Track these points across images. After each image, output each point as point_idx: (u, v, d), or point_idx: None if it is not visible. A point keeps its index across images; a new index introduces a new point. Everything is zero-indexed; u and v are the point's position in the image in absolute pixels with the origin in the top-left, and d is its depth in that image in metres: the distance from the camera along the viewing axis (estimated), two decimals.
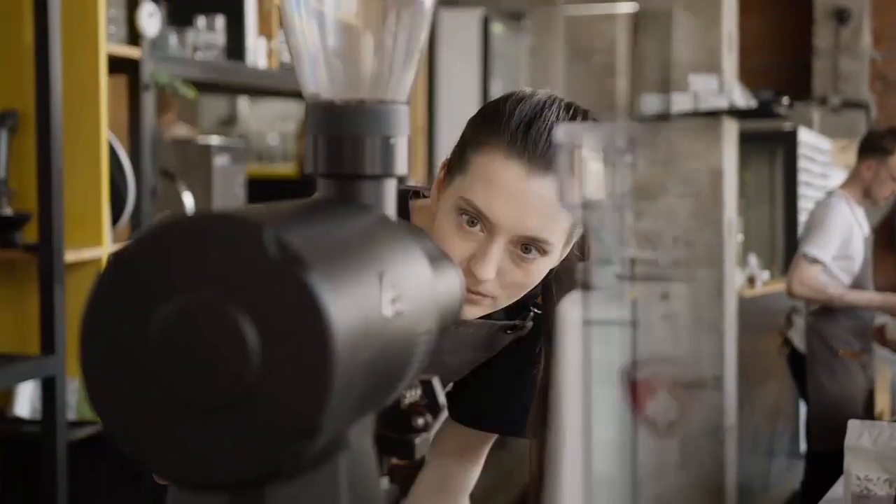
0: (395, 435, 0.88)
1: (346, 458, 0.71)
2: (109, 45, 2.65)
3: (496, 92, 6.10)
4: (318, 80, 0.84)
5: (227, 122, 6.14)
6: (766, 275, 6.26)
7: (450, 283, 0.88)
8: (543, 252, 1.30)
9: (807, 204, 7.21)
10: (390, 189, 0.83)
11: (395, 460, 0.91)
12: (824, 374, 4.42)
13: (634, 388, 0.69)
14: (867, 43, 9.48)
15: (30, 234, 2.51)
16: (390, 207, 0.83)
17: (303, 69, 0.84)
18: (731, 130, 5.70)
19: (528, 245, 1.29)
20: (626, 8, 6.55)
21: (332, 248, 0.67)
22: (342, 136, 0.81)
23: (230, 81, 3.32)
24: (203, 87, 3.37)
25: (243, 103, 6.13)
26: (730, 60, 5.65)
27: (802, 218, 7.29)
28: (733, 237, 5.81)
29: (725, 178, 5.56)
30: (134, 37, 2.76)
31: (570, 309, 0.71)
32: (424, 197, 1.51)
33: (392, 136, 0.82)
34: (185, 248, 0.63)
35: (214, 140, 3.36)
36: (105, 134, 2.60)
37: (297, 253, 0.62)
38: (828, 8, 9.21)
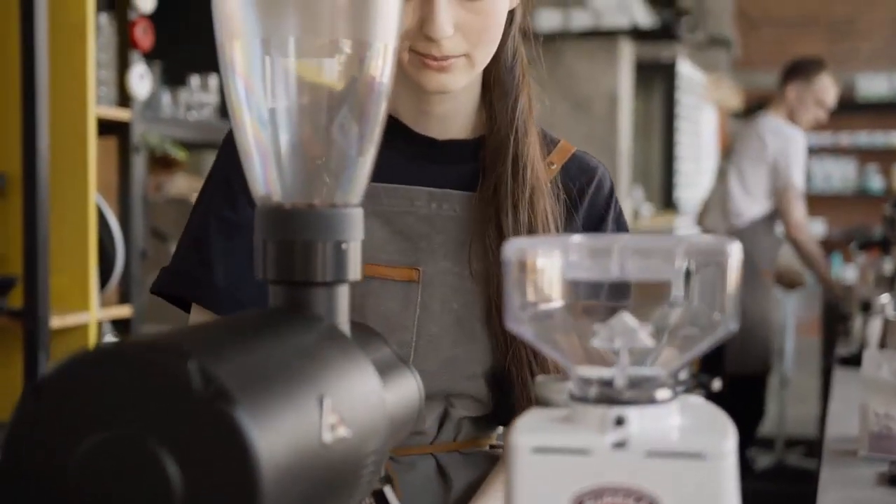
0: None
1: None
2: (99, 107, 2.63)
3: None
4: (268, 182, 0.81)
5: None
6: (648, 208, 6.25)
7: (404, 391, 0.85)
8: None
9: (682, 137, 7.23)
10: (342, 296, 0.80)
11: None
12: (746, 294, 4.34)
13: None
14: None
15: (15, 298, 2.48)
16: (342, 315, 0.80)
17: (252, 170, 0.81)
18: (628, 52, 5.65)
19: None
20: None
21: (265, 375, 0.64)
22: (292, 242, 0.78)
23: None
24: (196, 145, 3.35)
25: None
26: None
27: (679, 152, 7.31)
28: (628, 168, 5.79)
29: (621, 104, 5.52)
30: (125, 98, 2.74)
31: (521, 436, 0.67)
32: None
33: (345, 241, 0.79)
34: (108, 379, 0.60)
35: None
36: (93, 197, 2.58)
37: (224, 386, 0.59)
38: None
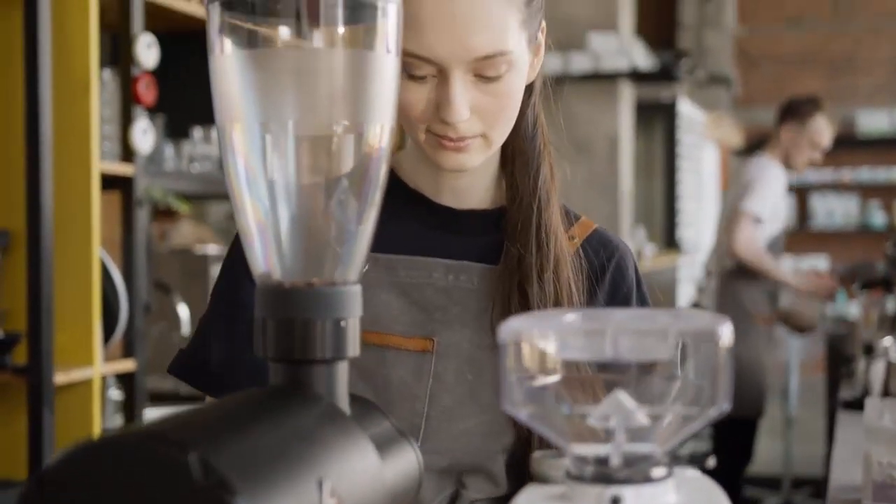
0: None
1: None
2: (103, 162, 2.65)
3: None
4: (267, 261, 0.82)
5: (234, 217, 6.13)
6: (651, 248, 6.27)
7: (403, 465, 0.85)
8: (508, 65, 1.17)
9: (683, 176, 7.28)
10: (342, 372, 0.81)
11: None
12: (738, 339, 4.31)
13: None
14: (731, 17, 9.67)
15: (19, 355, 2.49)
16: (341, 390, 0.81)
17: (252, 248, 0.82)
18: (628, 95, 5.68)
19: (488, 67, 1.15)
20: None
21: (265, 461, 0.65)
22: (292, 320, 0.79)
23: (225, 192, 3.32)
24: (200, 196, 3.38)
25: None
26: (626, 17, 5.60)
27: (681, 190, 7.34)
28: (629, 209, 5.81)
29: (622, 145, 5.55)
30: (128, 153, 2.76)
31: None
32: None
33: (343, 319, 0.80)
34: (109, 470, 0.61)
35: (212, 249, 3.36)
36: (97, 253, 2.59)
37: (224, 477, 0.60)
38: None
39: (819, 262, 10.20)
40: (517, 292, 1.25)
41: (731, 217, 4.39)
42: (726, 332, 0.68)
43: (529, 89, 1.28)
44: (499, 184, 1.32)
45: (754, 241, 4.31)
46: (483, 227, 1.30)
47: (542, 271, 1.24)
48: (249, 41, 0.80)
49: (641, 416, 0.70)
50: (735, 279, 4.43)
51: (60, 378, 2.49)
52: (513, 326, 0.71)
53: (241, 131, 0.80)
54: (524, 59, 1.20)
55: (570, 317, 0.73)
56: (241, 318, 1.24)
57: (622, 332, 0.70)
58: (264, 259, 0.82)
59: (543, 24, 1.26)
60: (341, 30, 0.79)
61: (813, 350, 6.71)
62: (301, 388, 0.79)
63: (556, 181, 1.31)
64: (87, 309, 2.56)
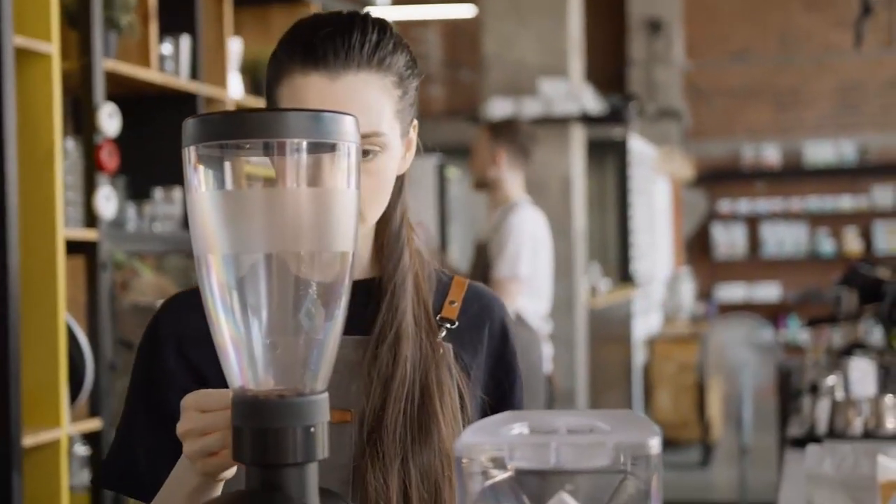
0: None
1: None
2: (67, 229, 2.71)
3: (454, 234, 6.27)
4: (243, 375, 0.90)
5: None
6: (606, 283, 6.43)
7: None
8: (381, 147, 1.25)
9: (636, 211, 7.50)
10: (312, 473, 0.89)
11: None
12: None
13: None
14: (680, 53, 9.90)
15: None
16: (311, 490, 0.89)
17: (229, 364, 0.90)
18: (579, 137, 5.83)
19: (363, 144, 1.18)
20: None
21: None
22: (266, 429, 0.88)
23: (187, 250, 3.38)
24: (161, 254, 3.45)
25: None
26: (576, 63, 5.74)
27: (633, 224, 7.54)
28: (583, 247, 5.95)
29: (574, 186, 5.68)
30: (92, 218, 2.83)
31: None
32: None
33: (313, 425, 0.89)
34: None
35: None
36: (63, 317, 2.65)
37: None
38: (640, 18, 9.58)
39: (770, 290, 10.39)
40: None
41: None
42: (655, 444, 0.77)
43: (399, 185, 1.35)
44: (374, 255, 1.36)
45: None
46: (373, 296, 1.34)
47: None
48: (222, 181, 0.88)
49: None
50: None
51: (28, 441, 2.54)
52: (466, 441, 0.79)
53: (216, 260, 0.88)
54: (397, 147, 1.29)
55: (517, 428, 0.81)
56: (161, 414, 1.27)
57: (564, 443, 0.78)
58: (240, 373, 0.90)
59: (416, 122, 1.35)
60: (305, 169, 0.88)
61: (766, 376, 6.84)
62: (275, 491, 0.87)
63: (419, 266, 1.36)
64: (54, 372, 2.62)
